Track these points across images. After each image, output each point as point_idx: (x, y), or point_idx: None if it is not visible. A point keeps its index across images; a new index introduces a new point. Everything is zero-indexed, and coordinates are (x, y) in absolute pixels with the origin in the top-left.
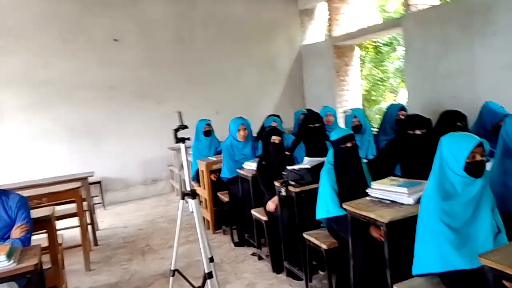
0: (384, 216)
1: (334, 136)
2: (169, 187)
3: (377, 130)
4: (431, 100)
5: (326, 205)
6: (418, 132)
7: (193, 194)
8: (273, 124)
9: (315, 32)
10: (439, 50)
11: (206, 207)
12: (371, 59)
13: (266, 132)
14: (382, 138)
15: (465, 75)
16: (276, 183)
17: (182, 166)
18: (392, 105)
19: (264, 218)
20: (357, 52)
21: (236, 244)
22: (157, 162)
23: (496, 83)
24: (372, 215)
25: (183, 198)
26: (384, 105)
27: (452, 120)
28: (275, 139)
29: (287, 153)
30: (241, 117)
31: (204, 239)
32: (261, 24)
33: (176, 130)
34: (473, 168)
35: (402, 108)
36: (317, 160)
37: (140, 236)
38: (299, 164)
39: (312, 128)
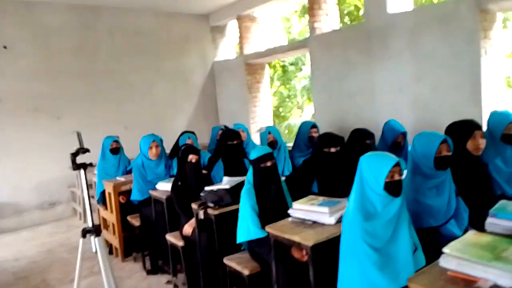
0: (308, 238)
1: (253, 155)
2: (70, 211)
3: (291, 147)
4: (336, 117)
5: (247, 227)
6: (333, 150)
7: (97, 231)
8: (189, 141)
9: (227, 49)
10: (342, 71)
11: (114, 233)
12: (278, 77)
13: (182, 150)
14: (297, 155)
15: (365, 94)
16: (193, 205)
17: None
18: (304, 122)
19: (180, 243)
20: (267, 70)
21: (149, 272)
22: (56, 183)
23: (392, 103)
24: (296, 238)
25: (84, 236)
26: (292, 121)
27: (362, 138)
28: (192, 158)
29: (204, 171)
30: (152, 133)
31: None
32: (173, 38)
33: (75, 155)
34: (392, 187)
35: (314, 125)
36: (236, 180)
37: (35, 270)
38: (217, 184)
39: (230, 146)
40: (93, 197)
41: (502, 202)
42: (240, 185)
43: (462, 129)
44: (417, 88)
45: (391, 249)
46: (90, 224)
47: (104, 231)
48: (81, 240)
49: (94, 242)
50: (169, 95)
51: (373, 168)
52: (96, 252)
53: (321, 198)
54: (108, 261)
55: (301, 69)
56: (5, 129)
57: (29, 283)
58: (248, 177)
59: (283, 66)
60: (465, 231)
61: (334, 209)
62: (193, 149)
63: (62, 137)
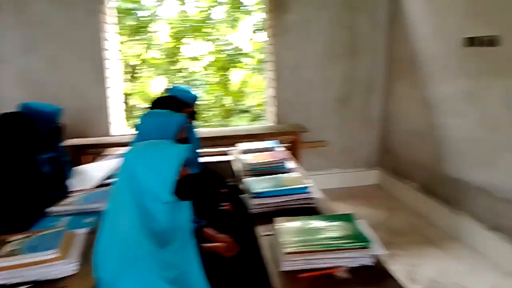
0: None
1: None
2: None
3: None
4: None
5: None
6: None
7: None
8: None
9: None
10: None
11: None
12: None
13: None
14: None
15: None
16: None
17: None
18: None
19: None
20: None
21: None
22: None
23: None
24: None
25: None
26: None
27: (18, 126)
28: None
29: None
30: None
31: None
32: None
33: None
34: (185, 187)
35: None
36: None
37: None
38: None
39: None
40: None
41: None
42: None
43: (170, 105)
44: (27, 62)
45: (183, 274)
46: None
47: None
48: None
49: None
50: None
51: (155, 167)
52: None
53: (13, 239)
54: None
55: None
56: None
57: None
58: None
59: None
60: None
61: (62, 246)
62: None
63: None
